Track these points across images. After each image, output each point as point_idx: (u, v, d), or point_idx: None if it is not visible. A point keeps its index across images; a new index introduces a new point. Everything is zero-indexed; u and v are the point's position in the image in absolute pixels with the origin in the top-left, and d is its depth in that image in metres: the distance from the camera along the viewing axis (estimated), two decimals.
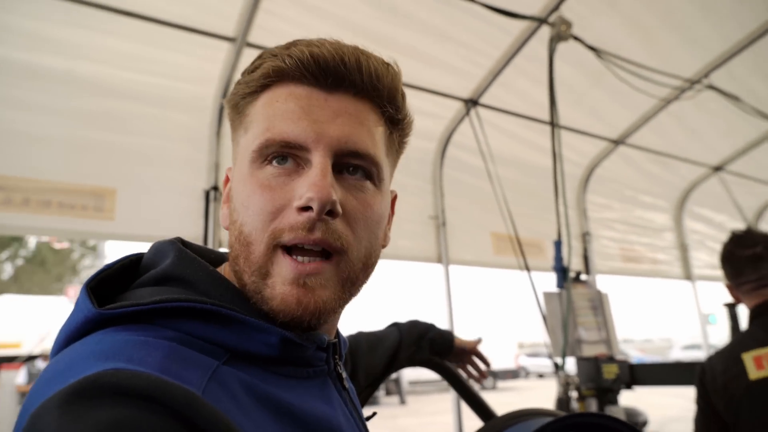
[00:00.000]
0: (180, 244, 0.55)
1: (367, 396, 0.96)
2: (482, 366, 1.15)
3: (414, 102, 3.44)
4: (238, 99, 0.56)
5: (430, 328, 1.11)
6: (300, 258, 0.50)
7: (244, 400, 0.44)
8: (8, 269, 28.39)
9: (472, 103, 3.35)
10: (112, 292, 0.51)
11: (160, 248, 0.55)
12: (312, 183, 0.49)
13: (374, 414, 0.67)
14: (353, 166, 0.54)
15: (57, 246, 23.82)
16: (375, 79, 0.54)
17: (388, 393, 17.06)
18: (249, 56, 2.57)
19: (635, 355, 22.47)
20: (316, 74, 0.52)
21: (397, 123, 0.59)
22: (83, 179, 2.30)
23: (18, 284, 26.78)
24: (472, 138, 3.30)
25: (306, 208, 0.49)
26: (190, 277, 0.51)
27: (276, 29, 2.55)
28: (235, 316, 0.48)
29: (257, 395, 0.46)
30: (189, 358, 0.43)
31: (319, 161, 0.50)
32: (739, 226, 2.41)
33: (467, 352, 1.13)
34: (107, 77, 2.42)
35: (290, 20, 2.56)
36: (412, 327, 1.09)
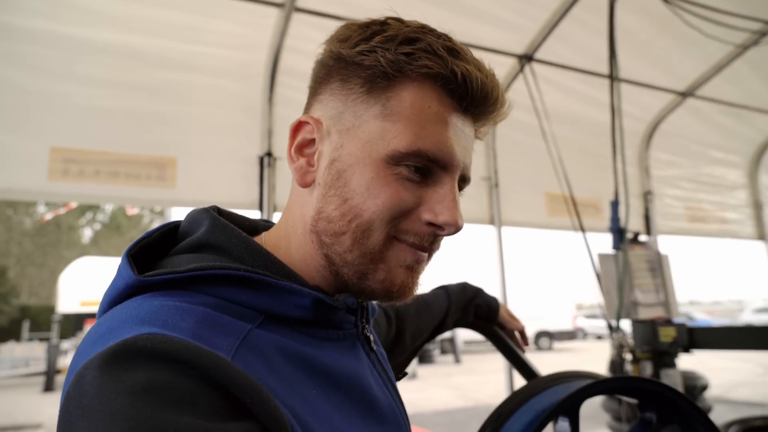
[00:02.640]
0: (214, 212, 0.58)
1: (411, 356, 0.99)
2: (519, 342, 1.13)
3: None
4: (378, 73, 0.52)
5: (477, 293, 1.11)
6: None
7: (277, 360, 0.47)
8: (88, 233, 30.70)
9: (526, 58, 3.22)
10: (153, 257, 0.55)
11: (195, 217, 0.57)
12: (448, 208, 0.53)
13: (405, 374, 0.70)
14: (461, 188, 0.58)
15: (129, 212, 25.40)
16: (500, 118, 0.58)
17: (443, 352, 17.36)
18: (298, 21, 2.58)
19: (701, 317, 21.55)
20: (472, 99, 0.54)
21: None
22: (146, 150, 2.43)
23: (97, 247, 28.97)
24: (526, 96, 3.19)
25: (435, 226, 0.54)
26: (224, 244, 0.53)
27: None
28: (267, 280, 0.50)
29: (289, 355, 0.48)
30: (221, 323, 0.45)
31: (452, 185, 0.54)
32: None
33: (509, 328, 1.12)
34: (160, 49, 2.50)
35: None
36: (461, 293, 1.09)
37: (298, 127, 0.58)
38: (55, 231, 27.90)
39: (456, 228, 0.54)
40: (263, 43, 2.67)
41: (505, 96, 0.57)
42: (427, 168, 0.53)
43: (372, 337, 0.64)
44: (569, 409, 0.66)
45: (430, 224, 0.54)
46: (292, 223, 0.59)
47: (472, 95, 0.53)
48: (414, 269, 0.55)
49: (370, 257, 0.53)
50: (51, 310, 17.94)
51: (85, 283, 13.11)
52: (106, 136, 2.37)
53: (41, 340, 17.89)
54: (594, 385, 0.65)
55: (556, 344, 19.76)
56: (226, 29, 2.58)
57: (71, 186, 2.27)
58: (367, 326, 0.63)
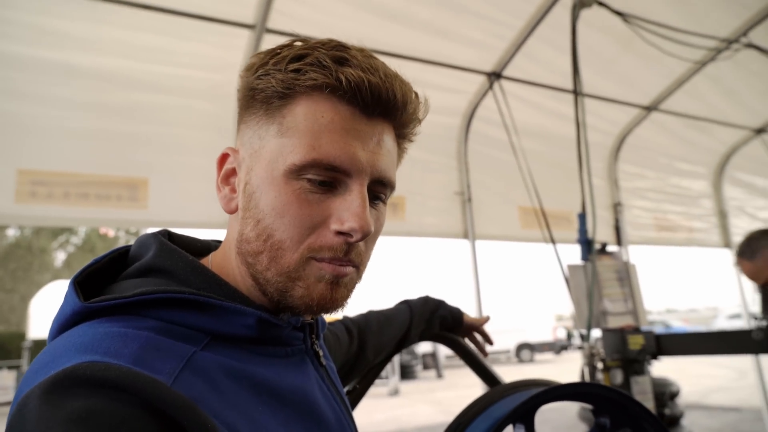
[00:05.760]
0: (162, 236, 0.59)
1: (378, 370, 1.00)
2: (483, 342, 1.16)
3: (436, 78, 3.43)
4: (271, 93, 0.54)
5: (440, 305, 1.13)
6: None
7: (222, 381, 0.48)
8: (61, 256, 29.92)
9: (495, 76, 3.30)
10: (103, 283, 0.56)
11: (144, 241, 0.59)
12: (355, 213, 0.52)
13: (355, 388, 0.71)
14: (379, 193, 0.58)
15: (110, 234, 24.86)
16: (411, 114, 0.58)
17: (426, 367, 17.27)
18: (269, 42, 2.60)
19: (678, 325, 21.94)
20: (367, 102, 0.54)
21: (406, 140, 0.63)
22: (116, 171, 2.42)
23: (70, 270, 28.20)
24: (496, 112, 3.26)
25: (344, 234, 0.53)
26: (170, 268, 0.54)
27: (295, 13, 2.57)
28: (211, 302, 0.51)
29: (235, 375, 0.49)
30: (164, 347, 0.46)
31: (359, 189, 0.54)
32: None
33: (473, 329, 1.15)
34: (131, 71, 2.50)
35: (308, 3, 2.57)
36: (423, 306, 1.11)
37: (222, 159, 0.61)
38: (26, 255, 27.12)
39: (363, 233, 0.52)
40: (235, 64, 2.68)
41: (410, 94, 0.57)
42: (332, 179, 0.53)
43: (321, 352, 0.65)
44: (524, 415, 0.69)
45: (339, 233, 0.53)
46: (228, 247, 0.60)
47: (364, 98, 0.53)
48: (335, 282, 0.55)
49: (287, 275, 0.54)
50: (21, 336, 17.37)
51: (57, 308, 12.73)
52: (75, 158, 2.35)
53: (10, 368, 17.27)
54: (547, 392, 0.68)
55: (537, 356, 19.85)
56: (198, 50, 2.60)
57: (40, 208, 2.24)
58: (316, 342, 0.64)
